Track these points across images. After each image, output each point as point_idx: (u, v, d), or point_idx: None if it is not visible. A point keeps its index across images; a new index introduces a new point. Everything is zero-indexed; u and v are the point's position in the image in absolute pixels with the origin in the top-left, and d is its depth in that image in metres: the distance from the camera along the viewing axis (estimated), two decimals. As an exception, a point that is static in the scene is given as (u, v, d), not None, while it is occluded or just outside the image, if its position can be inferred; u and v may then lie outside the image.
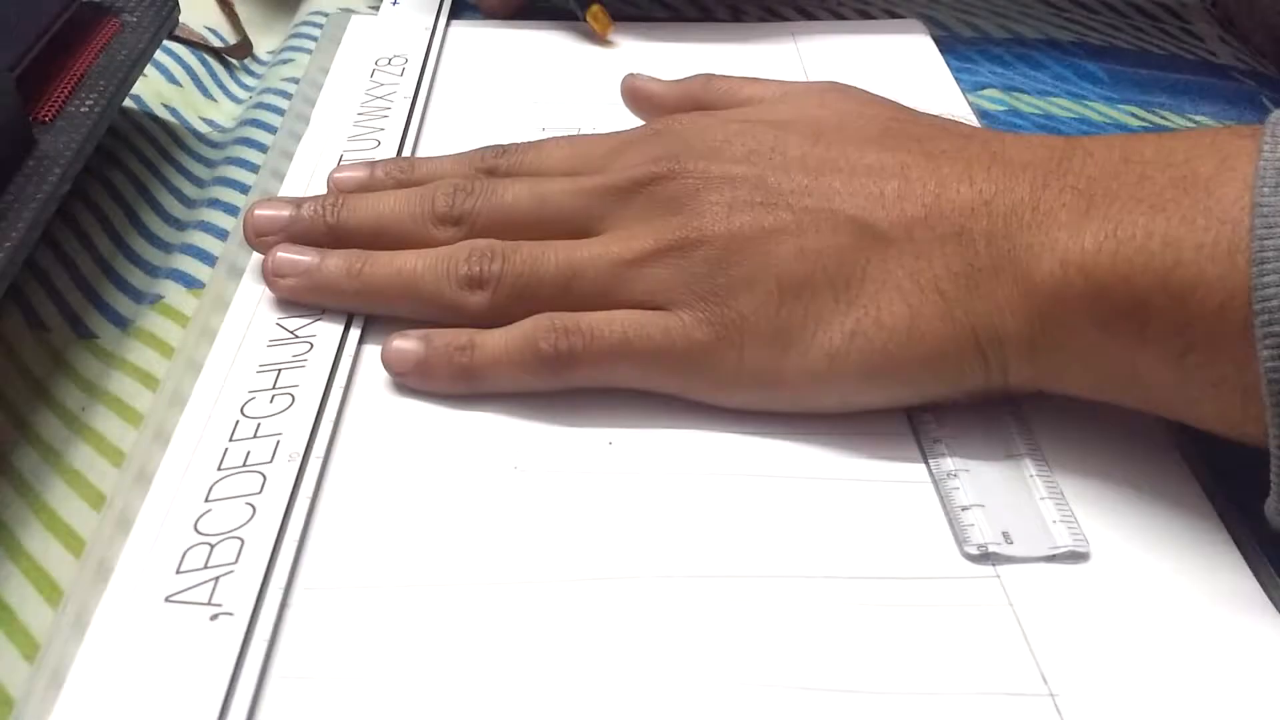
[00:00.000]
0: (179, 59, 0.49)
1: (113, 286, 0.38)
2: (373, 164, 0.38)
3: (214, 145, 0.45)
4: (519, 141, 0.38)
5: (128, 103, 0.45)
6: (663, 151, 0.34)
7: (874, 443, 0.32)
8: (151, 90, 0.47)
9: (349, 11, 0.51)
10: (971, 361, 0.31)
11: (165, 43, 0.47)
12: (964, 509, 0.30)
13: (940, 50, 0.50)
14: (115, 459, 0.32)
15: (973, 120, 0.45)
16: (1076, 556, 0.29)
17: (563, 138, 0.38)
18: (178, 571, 0.27)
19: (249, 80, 0.50)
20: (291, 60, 0.49)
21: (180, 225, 0.41)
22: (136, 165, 0.43)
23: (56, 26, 0.38)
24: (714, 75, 0.39)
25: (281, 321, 0.35)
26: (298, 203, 0.36)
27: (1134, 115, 0.48)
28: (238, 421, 0.31)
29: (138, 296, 0.38)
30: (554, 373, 0.32)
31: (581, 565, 0.29)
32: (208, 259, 0.39)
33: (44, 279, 0.37)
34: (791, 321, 0.31)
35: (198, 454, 0.30)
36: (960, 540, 0.30)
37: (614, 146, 0.36)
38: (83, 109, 0.37)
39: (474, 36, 0.50)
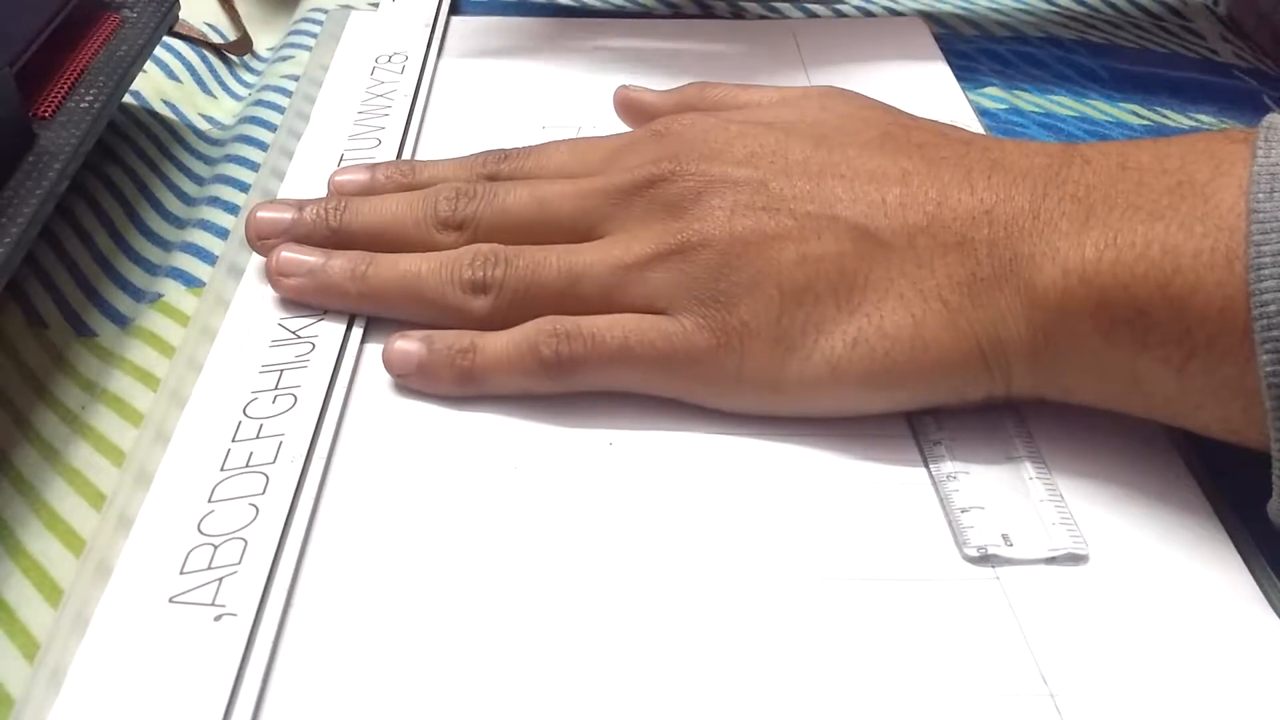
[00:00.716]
0: (179, 55, 0.49)
1: (112, 284, 0.38)
2: (373, 167, 0.38)
3: (214, 143, 0.45)
4: (521, 145, 0.38)
5: (127, 99, 0.45)
6: (663, 152, 0.34)
7: (874, 445, 0.32)
8: (151, 86, 0.47)
9: (348, 8, 0.51)
10: (975, 370, 0.31)
11: (165, 39, 0.47)
12: (963, 511, 0.30)
13: (941, 48, 0.50)
14: (115, 458, 0.32)
15: (973, 120, 0.45)
16: (1075, 558, 0.29)
17: (564, 140, 0.38)
18: (181, 572, 0.27)
19: (249, 77, 0.50)
20: (291, 57, 0.49)
21: (180, 223, 0.41)
22: (136, 162, 0.43)
23: (56, 22, 0.38)
24: (709, 82, 0.39)
25: (284, 322, 0.35)
26: (299, 205, 0.36)
27: (1135, 114, 0.48)
28: (240, 422, 0.31)
29: (137, 295, 0.38)
30: (554, 377, 0.32)
31: (581, 565, 0.29)
32: (208, 257, 0.39)
33: (43, 276, 0.37)
34: (793, 328, 0.31)
35: (200, 454, 0.30)
36: (960, 542, 0.30)
37: (615, 148, 0.36)
38: (82, 105, 0.37)
39: (474, 33, 0.50)
